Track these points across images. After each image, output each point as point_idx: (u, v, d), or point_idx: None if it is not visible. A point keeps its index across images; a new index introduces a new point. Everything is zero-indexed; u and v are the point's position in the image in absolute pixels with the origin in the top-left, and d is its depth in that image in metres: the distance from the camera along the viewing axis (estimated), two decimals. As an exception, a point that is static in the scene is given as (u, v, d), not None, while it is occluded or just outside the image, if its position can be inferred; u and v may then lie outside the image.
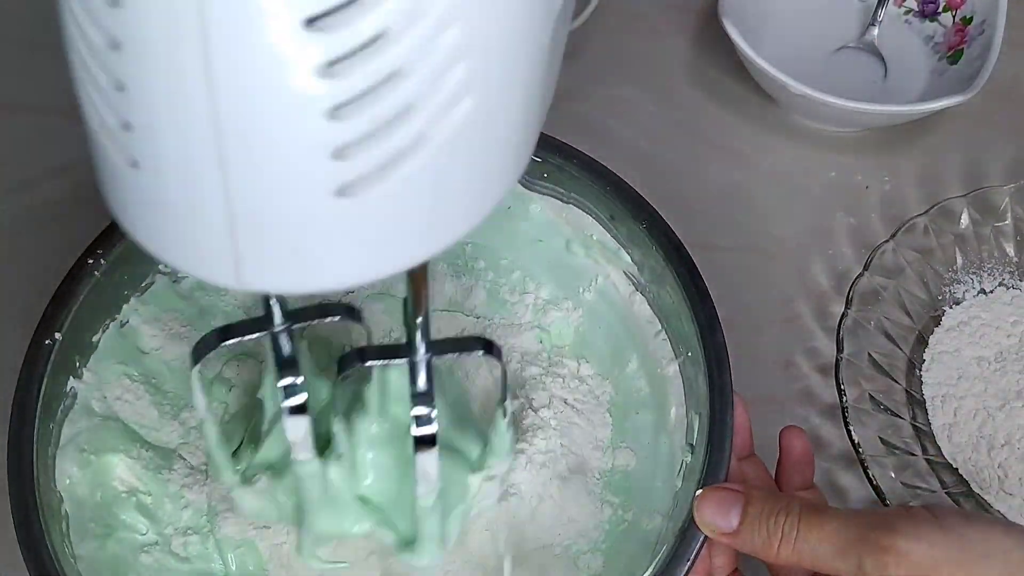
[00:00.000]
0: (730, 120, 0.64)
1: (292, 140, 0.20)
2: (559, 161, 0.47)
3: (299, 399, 0.34)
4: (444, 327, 0.50)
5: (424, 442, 0.34)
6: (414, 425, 0.33)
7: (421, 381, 0.33)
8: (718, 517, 0.37)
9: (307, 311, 0.34)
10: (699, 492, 0.38)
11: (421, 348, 0.33)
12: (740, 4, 0.61)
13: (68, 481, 0.42)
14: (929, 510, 0.34)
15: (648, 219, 0.46)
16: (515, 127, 0.24)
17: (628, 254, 0.47)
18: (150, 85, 0.20)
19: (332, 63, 0.19)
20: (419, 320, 0.32)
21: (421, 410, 0.33)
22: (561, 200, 0.49)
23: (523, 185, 0.49)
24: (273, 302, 0.32)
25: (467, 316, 0.50)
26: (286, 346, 0.33)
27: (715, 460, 0.40)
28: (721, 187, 0.61)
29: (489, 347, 0.34)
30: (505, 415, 0.38)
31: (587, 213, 0.48)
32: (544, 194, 0.49)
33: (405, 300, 0.31)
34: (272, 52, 0.19)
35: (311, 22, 0.19)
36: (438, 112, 0.21)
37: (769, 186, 0.61)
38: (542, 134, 0.43)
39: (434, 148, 0.22)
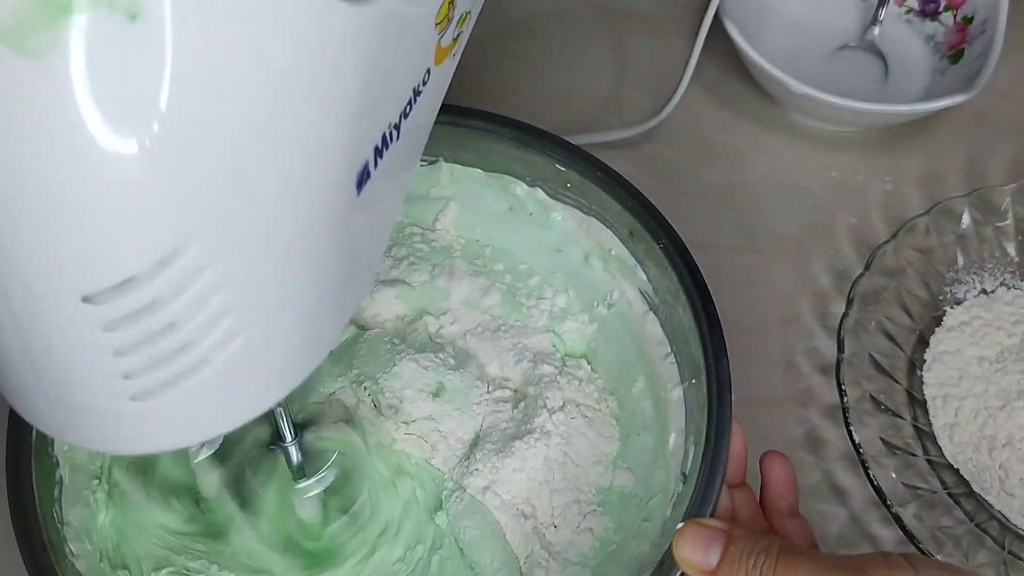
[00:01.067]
0: (731, 119, 0.64)
1: (87, 369, 0.25)
2: (581, 170, 0.47)
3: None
4: (461, 318, 0.50)
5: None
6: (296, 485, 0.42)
7: (295, 458, 0.41)
8: (697, 554, 0.36)
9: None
10: (680, 526, 0.37)
11: (288, 437, 0.41)
12: (741, 3, 0.61)
13: (67, 448, 0.42)
14: (907, 558, 0.33)
15: (667, 238, 0.45)
16: (300, 339, 0.28)
17: (644, 272, 0.47)
18: None
19: (111, 321, 0.24)
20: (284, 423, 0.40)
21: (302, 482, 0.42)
22: (583, 211, 0.48)
23: (546, 193, 0.49)
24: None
25: (482, 313, 0.50)
26: None
27: (704, 493, 0.39)
28: (722, 186, 0.61)
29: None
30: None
31: (607, 227, 0.48)
32: (567, 203, 0.49)
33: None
34: (61, 314, 0.23)
35: (87, 298, 0.23)
36: (213, 347, 0.25)
37: (770, 185, 0.61)
38: (563, 140, 0.44)
39: (213, 370, 0.26)
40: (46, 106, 0.21)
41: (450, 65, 0.32)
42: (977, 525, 0.47)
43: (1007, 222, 0.56)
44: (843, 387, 0.49)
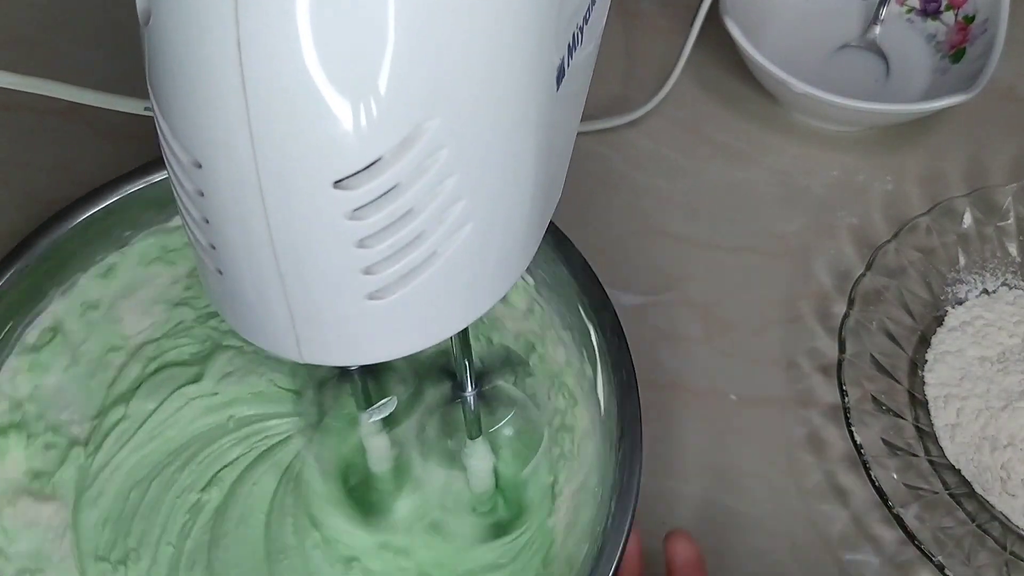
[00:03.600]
0: (731, 119, 0.64)
1: (331, 263, 0.26)
2: None
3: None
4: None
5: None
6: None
7: (471, 411, 0.42)
8: None
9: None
10: None
11: (469, 386, 0.41)
12: (741, 2, 0.61)
13: None
14: None
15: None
16: (515, 236, 0.30)
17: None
18: (225, 220, 0.26)
19: (357, 209, 0.25)
20: (466, 361, 0.40)
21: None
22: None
23: None
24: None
25: None
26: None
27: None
28: (722, 186, 0.61)
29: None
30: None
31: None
32: None
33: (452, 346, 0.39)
34: (311, 204, 0.25)
35: (338, 183, 0.24)
36: (444, 236, 0.27)
37: (770, 185, 0.61)
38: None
39: (443, 263, 0.27)
40: None
41: None
42: (979, 526, 0.47)
43: (1008, 221, 0.56)
44: (844, 387, 0.49)
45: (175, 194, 0.28)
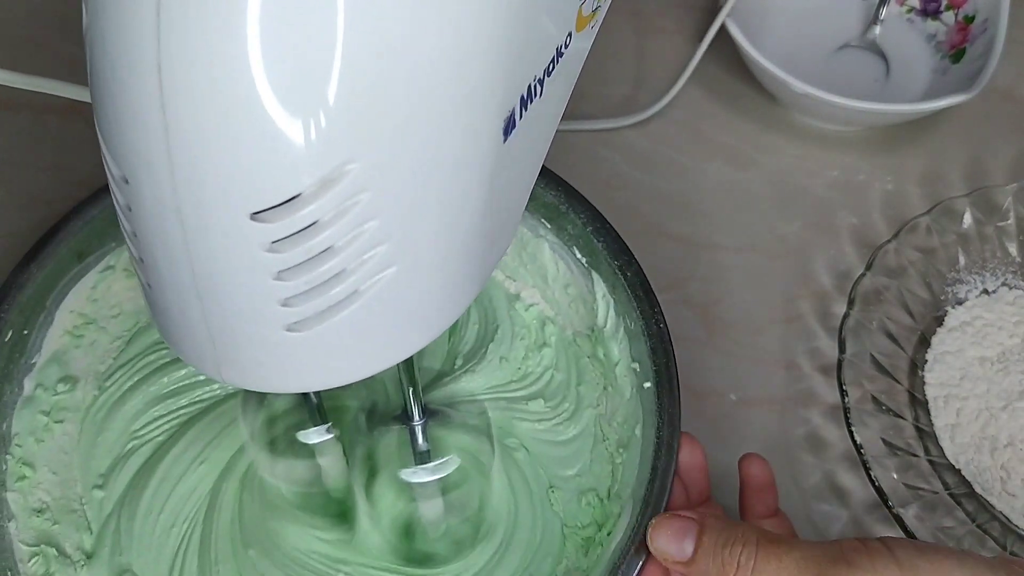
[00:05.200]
0: (731, 119, 0.64)
1: (249, 292, 0.26)
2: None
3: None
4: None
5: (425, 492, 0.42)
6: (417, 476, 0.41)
7: (420, 441, 0.41)
8: (672, 545, 0.36)
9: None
10: (653, 521, 0.37)
11: (415, 414, 0.41)
12: (742, 2, 0.61)
13: None
14: (884, 542, 0.33)
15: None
16: (447, 281, 0.30)
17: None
18: (150, 237, 0.26)
19: (275, 242, 0.25)
20: (411, 393, 0.39)
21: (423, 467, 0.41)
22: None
23: None
24: None
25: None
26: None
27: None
28: (723, 186, 0.61)
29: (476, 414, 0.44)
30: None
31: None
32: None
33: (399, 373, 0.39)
34: (229, 233, 0.25)
35: (255, 215, 0.25)
36: (365, 277, 0.27)
37: (770, 185, 0.61)
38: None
39: (365, 302, 0.27)
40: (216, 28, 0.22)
41: (587, 38, 0.34)
42: (979, 526, 0.47)
43: (1009, 222, 0.56)
44: (844, 387, 0.49)
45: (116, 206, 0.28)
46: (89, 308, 0.48)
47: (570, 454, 0.48)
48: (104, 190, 0.46)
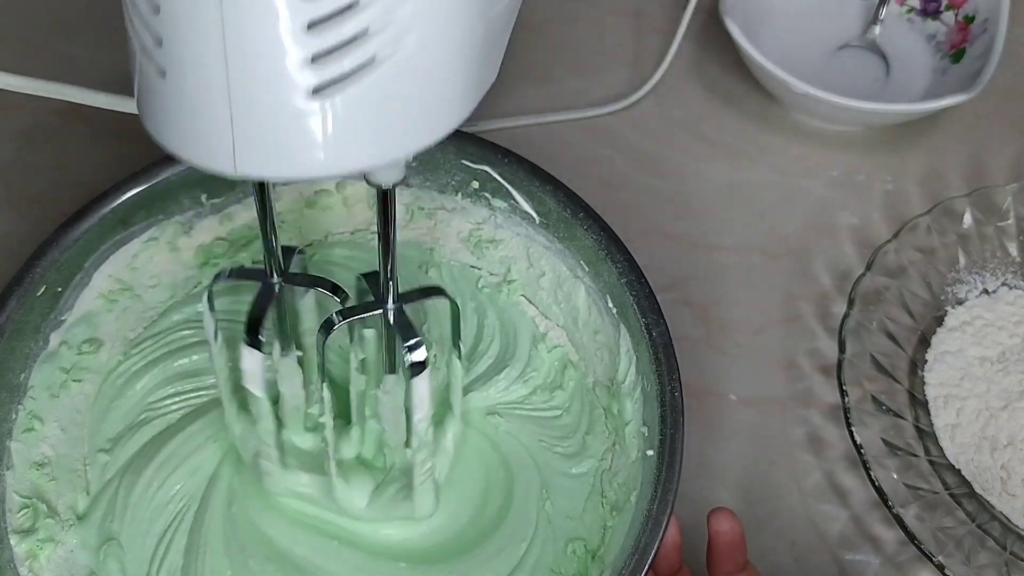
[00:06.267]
0: (731, 119, 0.64)
1: (277, 48, 0.27)
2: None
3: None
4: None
5: (417, 367, 0.38)
6: (407, 353, 0.38)
7: (400, 320, 0.39)
8: None
9: (299, 277, 0.41)
10: None
11: (391, 298, 0.39)
12: (741, 2, 0.61)
13: None
14: None
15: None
16: (454, 68, 0.30)
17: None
18: (177, 8, 0.27)
19: None
20: (388, 269, 0.38)
21: (411, 340, 0.38)
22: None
23: None
24: (272, 260, 0.40)
25: None
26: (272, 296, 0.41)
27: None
28: (722, 186, 0.61)
29: (443, 292, 0.41)
30: (459, 355, 0.44)
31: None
32: None
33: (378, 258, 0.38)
34: None
35: None
36: (387, 42, 0.28)
37: (771, 185, 0.61)
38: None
39: (383, 70, 0.28)
40: None
41: None
42: (979, 526, 0.47)
43: (1008, 222, 0.56)
44: (844, 387, 0.49)
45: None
46: (128, 275, 0.49)
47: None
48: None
